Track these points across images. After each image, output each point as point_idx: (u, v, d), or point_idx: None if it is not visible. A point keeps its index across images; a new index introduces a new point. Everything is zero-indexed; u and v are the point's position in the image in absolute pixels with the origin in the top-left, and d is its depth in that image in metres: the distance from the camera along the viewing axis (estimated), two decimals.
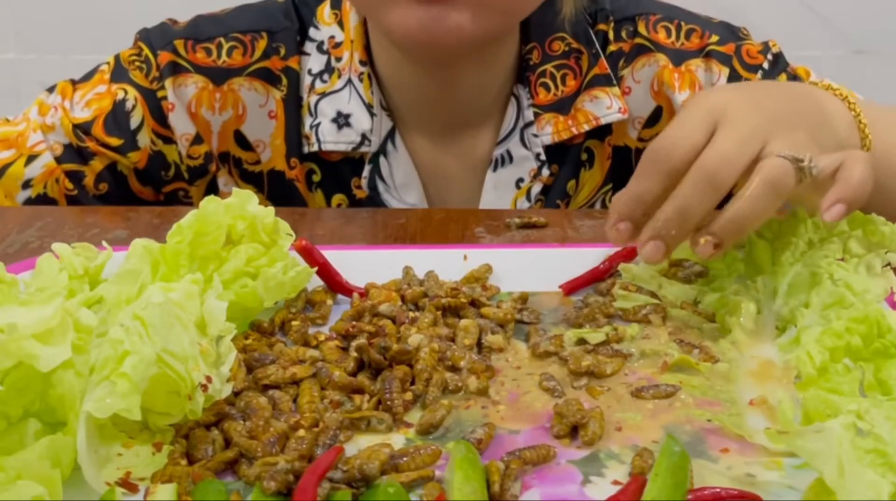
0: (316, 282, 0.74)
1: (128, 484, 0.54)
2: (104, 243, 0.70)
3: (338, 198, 0.99)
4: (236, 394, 0.61)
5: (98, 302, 0.64)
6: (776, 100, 0.71)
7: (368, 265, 0.76)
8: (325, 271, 0.74)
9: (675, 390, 0.62)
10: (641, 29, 0.98)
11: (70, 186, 0.96)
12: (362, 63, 0.96)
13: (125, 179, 0.98)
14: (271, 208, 0.71)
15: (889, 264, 0.69)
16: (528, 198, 0.98)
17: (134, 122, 0.96)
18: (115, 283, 0.63)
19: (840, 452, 0.49)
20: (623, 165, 1.00)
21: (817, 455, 0.50)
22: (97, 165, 0.96)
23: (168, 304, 0.58)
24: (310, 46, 0.98)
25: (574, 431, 0.58)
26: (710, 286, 0.74)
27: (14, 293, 0.59)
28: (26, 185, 0.95)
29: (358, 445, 0.57)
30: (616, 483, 0.54)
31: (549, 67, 0.96)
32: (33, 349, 0.53)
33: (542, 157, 0.96)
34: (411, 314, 0.69)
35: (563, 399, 0.60)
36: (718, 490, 0.52)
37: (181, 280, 0.64)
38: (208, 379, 0.57)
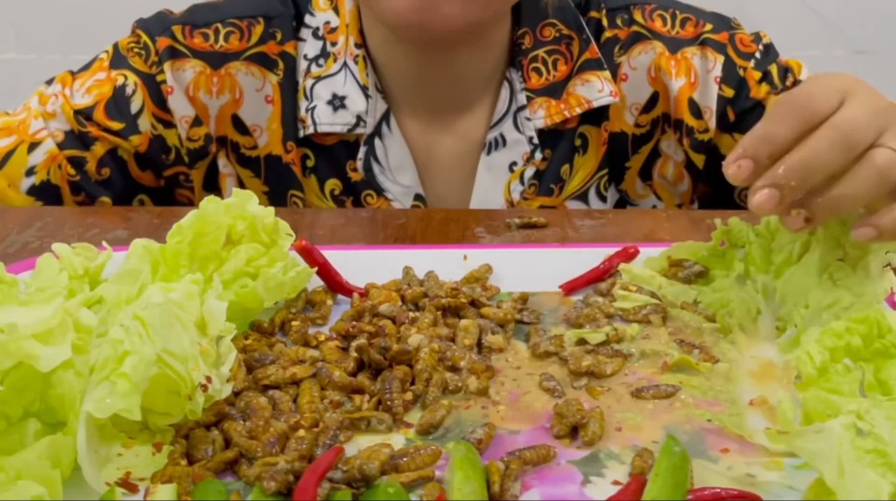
0: (316, 282, 0.74)
1: (128, 484, 0.54)
2: (104, 243, 0.70)
3: (331, 183, 0.99)
4: (236, 394, 0.61)
5: (98, 302, 0.64)
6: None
7: (368, 265, 0.76)
8: (325, 271, 0.74)
9: (675, 390, 0.62)
10: (638, 17, 0.99)
11: (72, 171, 0.96)
12: (357, 46, 0.97)
13: (126, 165, 0.98)
14: (271, 209, 0.71)
15: (889, 264, 0.69)
16: (522, 181, 0.98)
17: (134, 106, 0.96)
18: (115, 283, 0.63)
19: (840, 452, 0.49)
20: (618, 151, 1.01)
21: (817, 455, 0.50)
22: (99, 150, 0.96)
23: (168, 304, 0.58)
24: (305, 33, 0.99)
25: (574, 431, 0.58)
26: (710, 286, 0.74)
27: (14, 293, 0.59)
28: (30, 172, 0.96)
29: (358, 445, 0.57)
30: (616, 483, 0.54)
31: (540, 52, 0.98)
32: (33, 349, 0.53)
33: (535, 140, 0.98)
34: (411, 314, 0.69)
35: (563, 399, 0.60)
36: (718, 490, 0.52)
37: (181, 280, 0.64)
38: (208, 379, 0.57)
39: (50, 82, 0.98)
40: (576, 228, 0.87)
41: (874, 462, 0.50)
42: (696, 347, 0.67)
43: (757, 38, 0.99)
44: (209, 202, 0.69)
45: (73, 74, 0.98)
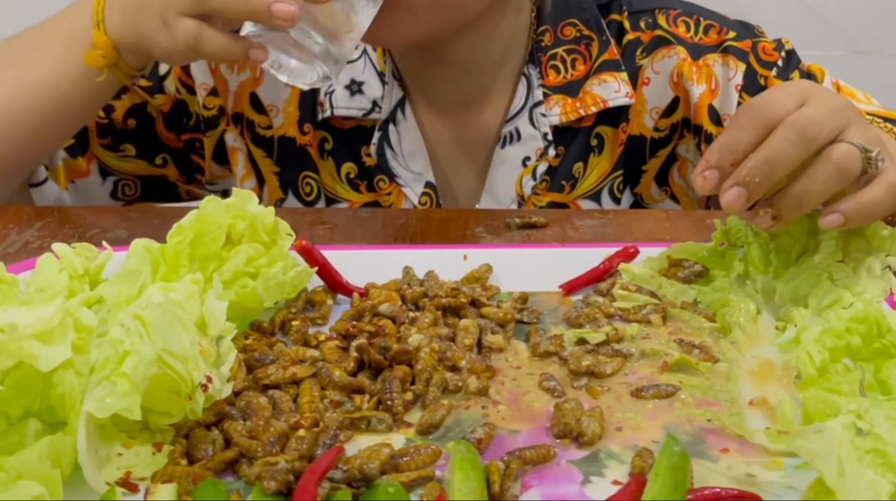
0: (316, 282, 0.74)
1: (128, 484, 0.54)
2: (104, 243, 0.70)
3: (347, 166, 1.02)
4: (236, 394, 0.61)
5: (98, 302, 0.64)
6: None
7: (368, 265, 0.76)
8: (325, 271, 0.74)
9: (675, 390, 0.62)
10: (662, 22, 1.01)
11: (102, 114, 1.00)
12: None
13: (153, 122, 1.02)
14: (271, 208, 0.71)
15: (888, 266, 0.69)
16: (534, 177, 1.00)
17: (163, 68, 1.01)
18: (115, 283, 0.63)
19: (840, 452, 0.49)
20: (635, 154, 1.02)
21: (817, 455, 0.50)
22: (127, 101, 1.01)
23: (168, 304, 0.58)
24: None
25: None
26: (710, 286, 0.74)
27: (14, 293, 0.59)
28: None
29: (358, 445, 0.57)
30: (616, 483, 0.54)
31: (559, 50, 0.99)
32: (33, 349, 0.53)
33: (549, 137, 0.99)
34: (411, 314, 0.69)
35: (563, 399, 0.60)
36: (718, 490, 0.52)
37: (181, 280, 0.64)
38: (208, 379, 0.57)
39: None
40: (576, 228, 0.87)
41: (874, 461, 0.50)
42: (696, 347, 0.67)
43: (779, 45, 0.99)
44: (209, 202, 0.69)
45: None
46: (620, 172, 1.02)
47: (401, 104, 1.00)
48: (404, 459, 0.54)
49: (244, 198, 0.70)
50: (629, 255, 0.77)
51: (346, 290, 0.74)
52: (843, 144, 0.65)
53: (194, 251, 0.68)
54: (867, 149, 0.65)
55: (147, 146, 1.03)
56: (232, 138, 1.03)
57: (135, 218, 0.90)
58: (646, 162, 1.03)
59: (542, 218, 0.88)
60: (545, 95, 0.99)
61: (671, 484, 0.51)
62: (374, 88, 0.99)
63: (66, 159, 1.01)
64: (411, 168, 1.00)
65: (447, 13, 0.89)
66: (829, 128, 0.65)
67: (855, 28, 1.96)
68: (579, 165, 1.00)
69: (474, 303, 0.71)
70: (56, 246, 0.67)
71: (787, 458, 0.55)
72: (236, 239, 0.70)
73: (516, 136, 0.99)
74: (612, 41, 1.00)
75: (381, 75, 0.99)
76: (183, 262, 0.67)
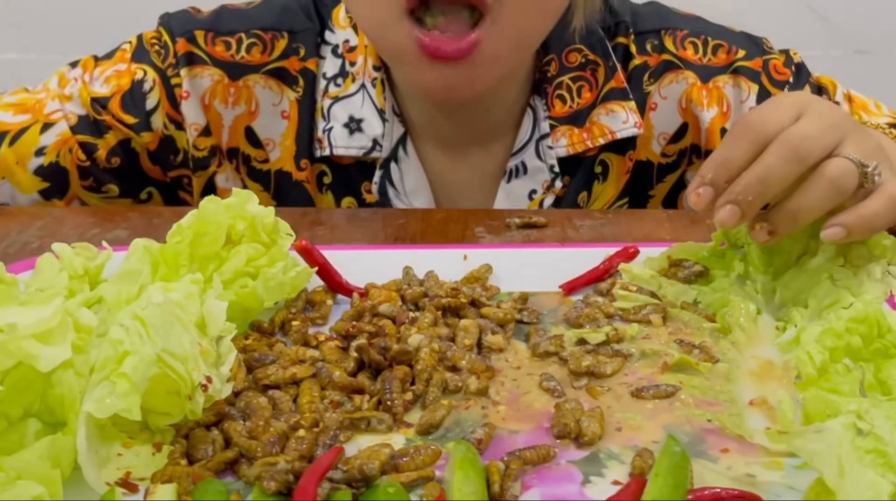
0: (316, 282, 0.74)
1: (128, 484, 0.54)
2: (104, 243, 0.70)
3: (347, 201, 0.99)
4: (236, 394, 0.61)
5: (98, 302, 0.64)
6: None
7: (368, 265, 0.76)
8: (325, 271, 0.74)
9: (675, 390, 0.62)
10: (668, 45, 0.98)
11: (83, 156, 0.96)
12: (376, 68, 0.95)
13: (137, 157, 0.98)
14: (271, 208, 0.71)
15: (888, 271, 0.69)
16: (540, 209, 0.97)
17: (150, 103, 0.96)
18: (115, 283, 0.63)
19: (840, 452, 0.49)
20: (642, 180, 1.00)
21: (817, 455, 0.50)
22: (111, 139, 0.96)
23: (168, 304, 0.58)
24: (325, 50, 0.98)
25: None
26: (710, 286, 0.74)
27: (14, 293, 0.59)
28: (39, 152, 0.96)
29: (358, 445, 0.57)
30: (616, 483, 0.54)
31: (565, 78, 0.96)
32: (33, 349, 0.53)
33: (556, 169, 0.96)
34: (411, 314, 0.69)
35: (563, 399, 0.60)
36: (718, 490, 0.52)
37: (181, 280, 0.64)
38: (208, 379, 0.57)
39: (74, 64, 0.98)
40: (576, 228, 0.87)
41: (874, 462, 0.50)
42: (696, 347, 0.67)
43: (788, 59, 0.98)
44: (209, 202, 0.69)
45: (96, 59, 0.98)
46: (626, 199, 1.00)
47: (402, 141, 0.96)
48: (404, 459, 0.54)
49: (244, 198, 0.70)
50: (629, 255, 0.77)
51: (346, 290, 0.74)
52: (839, 159, 0.64)
53: (194, 251, 0.68)
54: (863, 163, 0.65)
55: (131, 183, 0.99)
56: (223, 180, 1.00)
57: (135, 218, 0.90)
58: (653, 187, 1.01)
59: (542, 218, 0.88)
60: (552, 127, 0.96)
61: (671, 484, 0.51)
62: (373, 126, 0.95)
63: (39, 202, 0.97)
64: (414, 206, 0.97)
65: (522, 51, 0.88)
66: (823, 144, 0.64)
67: (855, 28, 1.96)
68: (584, 194, 0.98)
69: (474, 303, 0.71)
70: (56, 246, 0.67)
71: (787, 458, 0.55)
72: (236, 239, 0.70)
73: (522, 169, 0.96)
74: (619, 66, 0.97)
75: (381, 112, 0.95)
76: (183, 262, 0.67)
